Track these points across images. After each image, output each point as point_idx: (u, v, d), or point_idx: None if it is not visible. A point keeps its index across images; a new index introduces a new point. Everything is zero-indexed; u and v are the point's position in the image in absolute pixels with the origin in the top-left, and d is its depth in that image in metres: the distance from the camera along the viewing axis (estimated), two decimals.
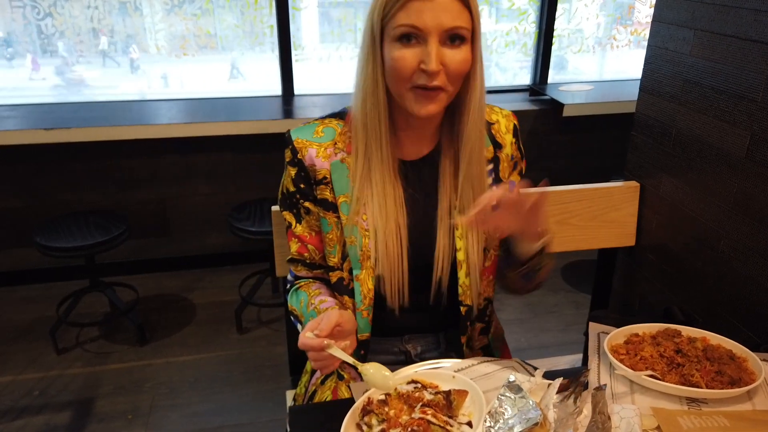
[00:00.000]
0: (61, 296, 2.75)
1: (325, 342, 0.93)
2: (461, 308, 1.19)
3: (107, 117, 2.79)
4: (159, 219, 3.10)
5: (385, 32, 1.00)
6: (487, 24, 3.39)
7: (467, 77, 1.04)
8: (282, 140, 1.17)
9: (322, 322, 0.94)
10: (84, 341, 2.64)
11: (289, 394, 1.48)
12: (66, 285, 2.96)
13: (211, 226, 3.16)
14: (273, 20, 3.01)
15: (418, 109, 1.03)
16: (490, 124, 1.17)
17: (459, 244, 1.14)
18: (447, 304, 1.21)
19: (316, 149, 1.12)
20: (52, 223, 2.49)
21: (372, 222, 1.11)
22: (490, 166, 1.16)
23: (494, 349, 1.31)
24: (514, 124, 1.19)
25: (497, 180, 1.18)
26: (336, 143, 1.13)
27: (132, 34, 2.97)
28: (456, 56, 0.99)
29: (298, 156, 1.13)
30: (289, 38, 3.03)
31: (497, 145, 1.17)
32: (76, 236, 2.39)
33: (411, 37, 0.98)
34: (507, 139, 1.18)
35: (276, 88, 3.17)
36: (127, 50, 3.02)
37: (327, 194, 1.13)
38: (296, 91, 3.15)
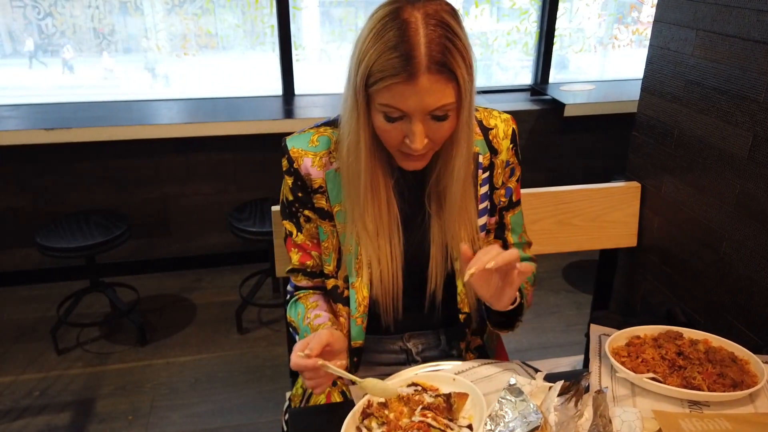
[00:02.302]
0: (61, 296, 2.75)
1: (320, 363, 0.93)
2: (460, 316, 1.20)
3: (108, 117, 2.79)
4: (159, 219, 3.10)
5: (370, 98, 0.98)
6: (488, 23, 3.39)
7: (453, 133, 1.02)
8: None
9: (312, 341, 0.94)
10: (84, 341, 2.64)
11: (289, 395, 1.47)
12: (67, 285, 2.96)
13: (211, 227, 3.16)
14: (274, 20, 3.00)
15: (405, 165, 1.05)
16: (488, 130, 1.16)
17: (455, 253, 1.15)
18: (445, 308, 1.21)
19: (312, 158, 1.12)
20: (53, 223, 2.49)
21: (366, 232, 1.10)
22: (486, 174, 1.16)
23: (488, 348, 1.31)
24: (513, 129, 1.18)
25: (492, 187, 1.18)
26: (331, 152, 1.12)
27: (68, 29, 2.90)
28: (441, 128, 0.99)
29: (294, 165, 1.12)
30: (289, 38, 3.02)
31: (493, 151, 1.16)
32: (76, 236, 2.39)
33: (395, 116, 0.96)
34: (504, 145, 1.17)
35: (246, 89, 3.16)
36: (59, 51, 2.94)
37: (323, 203, 1.14)
38: (297, 91, 3.14)
